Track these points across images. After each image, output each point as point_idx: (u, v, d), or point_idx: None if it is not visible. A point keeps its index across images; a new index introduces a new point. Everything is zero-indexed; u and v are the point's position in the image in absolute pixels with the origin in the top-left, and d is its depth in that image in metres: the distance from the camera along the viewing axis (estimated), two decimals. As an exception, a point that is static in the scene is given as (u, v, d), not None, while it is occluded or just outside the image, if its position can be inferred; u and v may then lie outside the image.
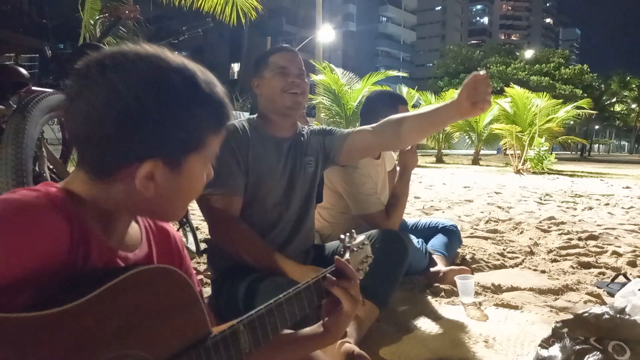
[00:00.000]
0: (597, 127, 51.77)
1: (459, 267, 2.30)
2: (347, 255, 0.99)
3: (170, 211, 0.72)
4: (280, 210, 1.63)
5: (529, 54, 42.98)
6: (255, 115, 1.69)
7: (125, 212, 0.69)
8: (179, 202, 0.71)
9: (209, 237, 1.76)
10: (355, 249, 1.03)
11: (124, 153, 0.62)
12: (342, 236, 1.04)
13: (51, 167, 2.03)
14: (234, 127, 1.57)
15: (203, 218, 1.76)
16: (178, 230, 2.70)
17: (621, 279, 2.31)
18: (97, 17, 2.72)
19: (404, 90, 16.28)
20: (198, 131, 0.67)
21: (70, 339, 0.51)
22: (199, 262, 2.54)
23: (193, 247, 2.64)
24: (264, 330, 0.72)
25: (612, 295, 2.11)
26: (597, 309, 1.37)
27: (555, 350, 1.36)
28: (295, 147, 1.68)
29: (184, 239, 2.72)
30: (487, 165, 16.31)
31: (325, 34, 18.22)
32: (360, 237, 1.07)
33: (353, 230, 1.08)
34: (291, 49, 1.66)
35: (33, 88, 2.11)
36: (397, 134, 1.55)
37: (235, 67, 41.04)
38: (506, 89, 14.55)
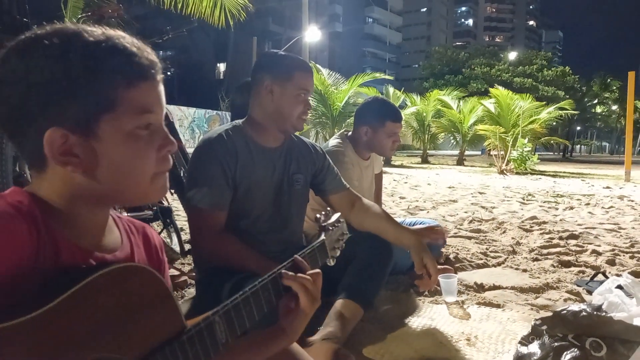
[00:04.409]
0: (578, 128, 52.70)
1: (442, 267, 2.32)
2: (322, 235, 0.99)
3: (122, 188, 0.65)
4: (267, 223, 1.59)
5: (512, 55, 43.59)
6: (241, 121, 1.61)
7: (82, 204, 0.64)
8: (125, 175, 0.64)
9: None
10: (331, 228, 1.03)
11: (28, 132, 0.60)
12: (317, 215, 1.04)
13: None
14: (219, 137, 1.51)
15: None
16: (162, 230, 2.68)
17: (600, 277, 2.36)
18: (80, 16, 2.69)
19: (390, 91, 16.38)
20: (95, 87, 0.60)
21: (40, 347, 0.49)
22: (183, 263, 2.53)
23: (177, 248, 2.63)
24: (240, 319, 0.72)
25: (591, 293, 2.16)
26: (575, 307, 1.40)
27: (534, 347, 1.39)
28: (285, 159, 1.63)
29: (169, 240, 2.70)
30: (471, 166, 16.48)
31: (312, 34, 18.22)
32: (335, 216, 1.08)
33: (328, 209, 1.09)
34: (311, 69, 1.63)
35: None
36: (359, 223, 1.74)
37: (222, 66, 40.80)
38: (491, 90, 14.75)
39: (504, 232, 3.77)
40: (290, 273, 0.83)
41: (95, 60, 0.60)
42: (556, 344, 1.35)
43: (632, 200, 6.25)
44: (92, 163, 0.62)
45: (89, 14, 2.60)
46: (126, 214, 2.21)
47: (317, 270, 0.87)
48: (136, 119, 0.63)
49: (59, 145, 0.60)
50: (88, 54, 0.60)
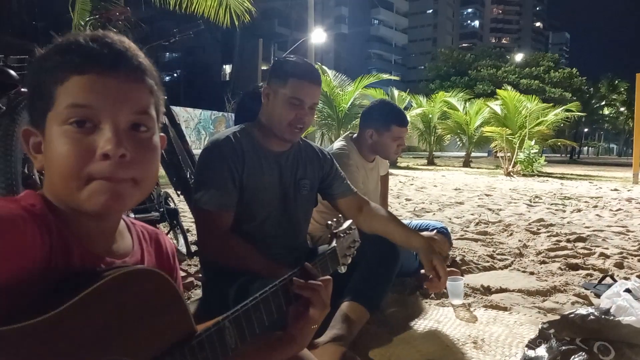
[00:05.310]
0: (586, 130, 52.41)
1: (449, 269, 2.32)
2: (334, 242, 0.99)
3: (59, 189, 0.63)
4: (273, 226, 1.59)
5: (519, 57, 43.44)
6: (250, 124, 1.61)
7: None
8: (55, 172, 0.62)
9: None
10: (343, 235, 1.03)
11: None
12: (329, 222, 1.04)
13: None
14: (227, 138, 1.52)
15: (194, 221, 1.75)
16: (169, 232, 2.69)
17: (608, 280, 2.34)
18: (88, 19, 2.70)
19: (395, 93, 16.36)
20: (40, 86, 0.63)
21: (50, 349, 0.49)
22: (189, 265, 2.54)
23: (184, 250, 2.64)
24: (250, 325, 0.71)
25: (599, 296, 2.14)
26: (583, 310, 1.39)
27: (541, 350, 1.38)
28: (292, 164, 1.63)
29: (175, 242, 2.72)
30: (478, 168, 16.42)
31: (318, 36, 18.26)
32: (347, 223, 1.07)
33: (340, 216, 1.08)
34: (316, 79, 1.54)
35: (22, 89, 2.10)
36: (367, 227, 1.69)
37: (228, 68, 40.95)
38: (498, 91, 14.71)
39: (511, 234, 3.75)
40: (302, 280, 0.82)
41: (43, 61, 0.64)
42: (564, 347, 1.34)
43: (641, 203, 6.20)
44: (45, 160, 0.64)
45: (97, 16, 2.62)
46: (132, 215, 2.22)
47: (328, 277, 0.86)
48: (64, 113, 0.62)
49: (31, 142, 0.65)
50: (42, 57, 0.65)
